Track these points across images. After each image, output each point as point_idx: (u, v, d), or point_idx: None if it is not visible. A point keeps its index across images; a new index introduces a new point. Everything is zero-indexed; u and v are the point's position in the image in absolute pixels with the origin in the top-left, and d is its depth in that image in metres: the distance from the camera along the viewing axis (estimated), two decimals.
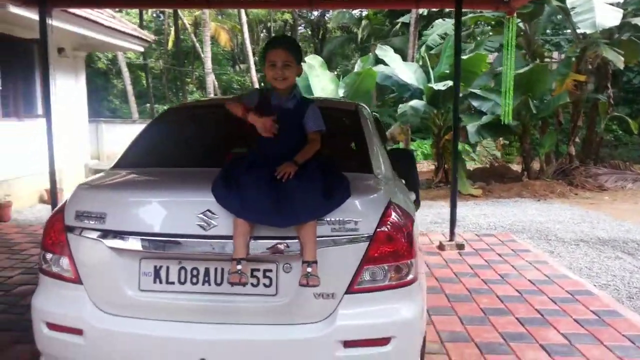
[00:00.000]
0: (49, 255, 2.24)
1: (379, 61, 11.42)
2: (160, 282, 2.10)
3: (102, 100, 27.98)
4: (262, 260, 2.08)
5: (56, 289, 2.22)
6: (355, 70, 11.43)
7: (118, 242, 2.11)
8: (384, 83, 10.99)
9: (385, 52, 10.90)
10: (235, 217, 2.01)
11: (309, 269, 1.98)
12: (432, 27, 13.60)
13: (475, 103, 10.34)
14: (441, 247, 5.90)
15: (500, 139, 12.36)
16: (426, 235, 6.70)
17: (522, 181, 11.41)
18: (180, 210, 2.10)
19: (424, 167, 15.66)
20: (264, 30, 37.40)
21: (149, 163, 2.68)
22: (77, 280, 2.17)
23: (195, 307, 2.07)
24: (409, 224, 2.25)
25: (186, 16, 29.46)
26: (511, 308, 4.15)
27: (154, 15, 34.15)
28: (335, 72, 18.33)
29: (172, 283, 2.09)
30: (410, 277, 2.18)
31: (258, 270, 2.08)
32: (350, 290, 2.08)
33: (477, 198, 10.53)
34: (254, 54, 22.93)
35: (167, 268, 2.10)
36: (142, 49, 11.52)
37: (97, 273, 2.15)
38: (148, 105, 28.58)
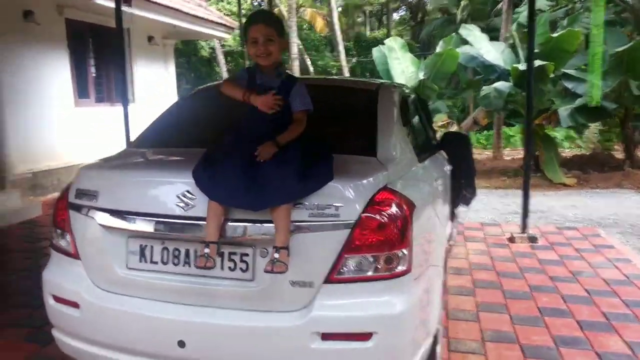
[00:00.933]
0: (57, 231, 2.35)
1: (465, 42, 10.83)
2: (146, 261, 2.12)
3: None
4: (239, 244, 2.03)
5: (61, 264, 2.34)
6: (437, 51, 10.94)
7: (108, 220, 2.16)
8: (469, 64, 10.42)
9: (469, 31, 10.31)
10: (209, 199, 1.97)
11: (276, 255, 1.89)
12: (524, 4, 12.66)
13: (568, 85, 9.50)
14: (512, 239, 5.53)
15: (596, 123, 11.26)
16: (499, 226, 6.32)
17: (623, 170, 10.37)
18: (162, 191, 2.10)
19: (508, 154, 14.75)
20: (362, 15, 37.13)
21: (165, 143, 2.70)
22: (76, 256, 2.26)
23: (176, 288, 2.07)
24: (404, 211, 2.08)
25: (282, 3, 30.00)
26: (573, 309, 3.78)
27: (255, 3, 35.22)
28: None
29: (156, 263, 2.10)
30: (401, 268, 2.02)
31: (235, 254, 2.03)
32: (329, 279, 1.97)
33: (569, 188, 9.75)
34: (333, 41, 22.85)
35: (152, 247, 2.12)
36: (227, 36, 11.86)
37: (91, 250, 2.22)
38: None
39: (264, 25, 2.19)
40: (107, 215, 2.16)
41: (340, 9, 37.97)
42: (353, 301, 1.97)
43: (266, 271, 1.90)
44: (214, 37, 12.35)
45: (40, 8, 7.49)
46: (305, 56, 30.08)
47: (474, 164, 4.58)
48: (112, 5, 7.48)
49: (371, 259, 1.98)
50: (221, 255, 2.03)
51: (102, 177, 2.27)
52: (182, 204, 2.03)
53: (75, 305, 2.20)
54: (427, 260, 2.29)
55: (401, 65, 10.63)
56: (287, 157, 2.02)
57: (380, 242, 1.98)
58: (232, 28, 12.15)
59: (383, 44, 11.16)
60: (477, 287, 4.22)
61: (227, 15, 31.76)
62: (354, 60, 28.72)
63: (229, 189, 1.95)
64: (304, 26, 34.06)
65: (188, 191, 2.03)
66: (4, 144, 6.98)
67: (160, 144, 2.66)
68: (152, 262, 2.11)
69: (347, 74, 20.67)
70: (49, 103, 7.75)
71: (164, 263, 2.09)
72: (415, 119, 3.39)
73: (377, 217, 1.99)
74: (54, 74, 7.79)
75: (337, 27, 20.27)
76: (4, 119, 7.00)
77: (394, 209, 2.04)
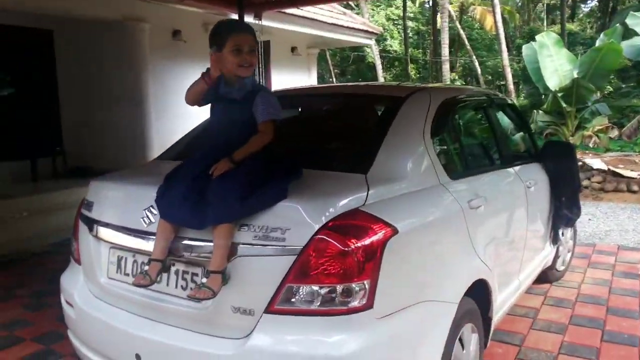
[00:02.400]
0: (72, 238, 2.53)
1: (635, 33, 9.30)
2: (121, 272, 2.17)
3: None
4: (190, 263, 1.96)
5: (71, 269, 2.52)
6: (597, 45, 9.53)
7: (97, 230, 2.26)
8: (638, 59, 8.91)
9: (638, 20, 8.80)
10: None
11: (204, 279, 1.78)
12: None
13: None
14: None
15: None
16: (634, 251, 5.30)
17: None
18: (133, 204, 2.12)
19: None
20: (534, 10, 34.40)
21: (186, 155, 2.73)
22: (79, 262, 2.41)
23: (140, 302, 2.08)
24: (372, 238, 1.81)
25: (452, 3, 29.13)
26: None
27: (426, 6, 34.82)
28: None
29: (128, 275, 2.14)
30: (356, 303, 1.77)
31: (187, 272, 1.97)
32: (269, 309, 1.80)
33: None
34: (506, 38, 21.31)
35: (126, 259, 2.16)
36: (371, 42, 11.85)
37: (88, 257, 2.34)
38: None
39: (250, 35, 2.09)
40: (96, 225, 2.27)
41: (519, 3, 35.64)
42: (294, 337, 1.77)
43: (188, 296, 1.80)
44: (358, 43, 12.43)
45: (187, 27, 8.27)
46: (473, 57, 28.82)
47: (579, 179, 3.89)
48: (249, 20, 8.02)
49: (318, 290, 1.77)
50: (176, 273, 1.99)
51: (98, 188, 2.39)
52: (145, 219, 2.04)
53: (72, 307, 2.35)
54: (413, 295, 1.97)
55: (554, 63, 9.50)
56: (236, 173, 1.90)
57: (330, 272, 1.76)
58: (375, 33, 12.11)
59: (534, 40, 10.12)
60: (573, 323, 3.56)
61: (394, 20, 32.07)
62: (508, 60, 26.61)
63: (177, 206, 1.90)
64: (475, 25, 32.71)
65: (152, 206, 2.02)
66: (151, 151, 7.84)
67: (181, 156, 2.71)
68: (124, 273, 2.16)
69: (508, 74, 19.19)
70: (190, 112, 8.50)
71: (134, 275, 2.11)
72: (477, 128, 2.97)
73: (328, 243, 1.77)
74: None
75: (499, 24, 18.99)
76: (151, 126, 7.85)
77: (354, 235, 1.79)
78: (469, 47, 29.13)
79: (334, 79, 29.58)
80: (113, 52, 7.44)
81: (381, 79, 23.34)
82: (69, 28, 7.64)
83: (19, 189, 6.72)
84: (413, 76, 31.52)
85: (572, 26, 30.20)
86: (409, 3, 31.10)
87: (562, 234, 4.07)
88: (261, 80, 8.45)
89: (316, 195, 1.89)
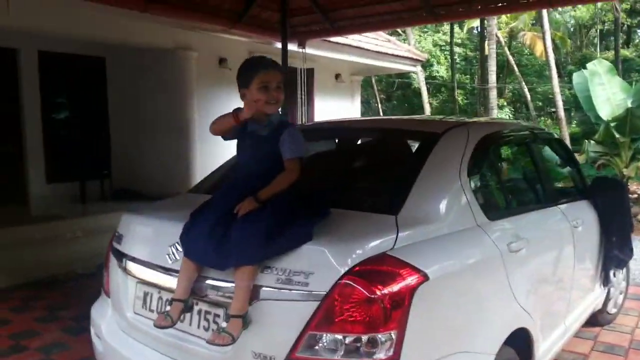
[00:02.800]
0: (103, 270, 2.55)
1: None
2: (146, 308, 2.16)
3: None
4: (213, 304, 1.92)
5: (101, 300, 2.52)
6: None
7: (125, 264, 2.26)
8: None
9: None
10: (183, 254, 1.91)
11: (224, 324, 1.73)
12: None
13: None
14: None
15: None
16: None
17: None
18: (159, 240, 2.11)
19: None
20: (587, 36, 33.52)
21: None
22: (108, 295, 2.41)
23: (162, 339, 2.05)
24: (401, 285, 1.73)
25: (500, 29, 28.77)
26: None
27: (475, 32, 34.55)
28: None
29: (152, 311, 2.12)
30: (382, 355, 1.68)
31: (209, 313, 1.93)
32: (291, 356, 1.73)
33: None
34: (557, 64, 20.79)
35: (151, 295, 2.14)
36: (415, 69, 11.78)
37: (116, 290, 2.34)
38: None
39: (277, 71, 2.09)
40: (125, 259, 2.27)
41: (571, 29, 34.84)
42: None
43: (208, 342, 1.75)
44: (402, 71, 12.39)
45: (233, 55, 8.45)
46: (523, 83, 28.24)
47: (631, 218, 3.66)
48: (293, 48, 8.11)
49: (342, 339, 1.69)
50: (199, 313, 1.95)
51: (127, 221, 2.40)
52: (171, 255, 2.02)
53: (99, 339, 2.35)
54: (445, 347, 1.86)
55: (606, 92, 9.14)
56: (261, 213, 1.86)
57: (354, 320, 1.68)
58: (420, 60, 12.03)
59: (585, 68, 9.77)
60: None
61: (442, 46, 31.90)
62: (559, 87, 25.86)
63: (200, 245, 1.87)
64: (525, 51, 32.13)
65: (177, 242, 2.01)
66: (194, 175, 7.97)
67: (212, 190, 2.69)
68: (150, 309, 2.14)
69: (559, 101, 18.62)
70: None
71: (159, 312, 2.09)
72: (519, 165, 2.84)
73: (353, 289, 1.69)
74: None
75: (549, 50, 18.56)
76: (196, 151, 7.98)
77: (381, 281, 1.71)
78: (518, 73, 28.56)
79: (379, 105, 29.54)
80: (161, 78, 7.67)
81: (426, 106, 23.11)
82: (120, 55, 7.94)
83: (69, 210, 6.96)
84: (460, 102, 31.13)
85: (627, 52, 29.23)
86: (456, 29, 30.90)
87: (614, 275, 3.83)
88: (304, 108, 8.48)
89: (342, 238, 1.82)
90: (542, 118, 31.21)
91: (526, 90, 28.32)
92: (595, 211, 3.53)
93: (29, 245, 5.59)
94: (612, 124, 8.73)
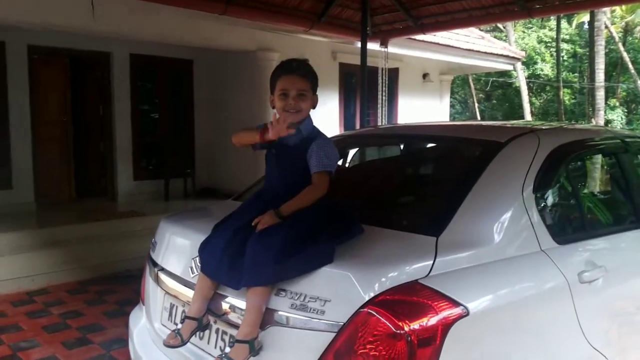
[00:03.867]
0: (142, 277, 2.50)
1: None
2: (172, 320, 2.06)
3: (518, 117, 28.00)
4: (230, 323, 1.77)
5: (139, 307, 2.47)
6: None
7: (155, 273, 2.19)
8: None
9: None
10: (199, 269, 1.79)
11: (227, 349, 1.57)
12: None
13: None
14: None
15: None
16: None
17: None
18: (185, 251, 2.01)
19: None
20: None
21: None
22: (143, 302, 2.36)
23: (184, 355, 1.94)
24: (432, 319, 1.49)
25: (614, 24, 26.58)
26: None
27: (585, 27, 32.19)
28: None
29: (177, 324, 2.00)
30: None
31: (226, 333, 1.79)
32: None
33: None
34: None
35: (176, 308, 2.04)
36: (510, 67, 11.09)
37: (149, 299, 2.27)
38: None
39: (298, 77, 1.90)
40: (157, 268, 2.19)
41: None
42: None
43: None
44: (497, 69, 11.69)
45: (315, 55, 8.35)
46: (638, 82, 25.86)
47: None
48: (375, 47, 7.89)
49: None
50: (217, 332, 1.82)
51: (162, 229, 2.32)
52: (194, 268, 1.91)
53: (132, 345, 2.30)
54: None
55: None
56: (280, 229, 1.69)
57: (375, 357, 1.46)
58: (517, 58, 11.29)
59: None
60: None
61: (547, 42, 29.99)
62: None
63: (216, 260, 1.74)
64: None
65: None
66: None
67: None
68: (174, 322, 2.04)
69: None
70: None
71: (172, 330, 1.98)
72: (602, 180, 2.45)
73: (376, 321, 1.47)
74: (326, 112, 8.54)
75: None
76: None
77: (408, 314, 1.48)
78: (633, 70, 26.19)
79: (477, 104, 28.36)
80: (244, 79, 7.77)
81: (526, 105, 21.77)
82: (207, 57, 8.14)
83: (152, 207, 7.24)
84: (566, 102, 29.11)
85: None
86: (564, 24, 28.90)
87: None
88: (384, 109, 8.21)
89: (367, 262, 1.60)
90: None
91: (602, 91, 25.90)
92: None
93: (112, 240, 5.85)
94: None
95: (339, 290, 1.54)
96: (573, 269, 1.95)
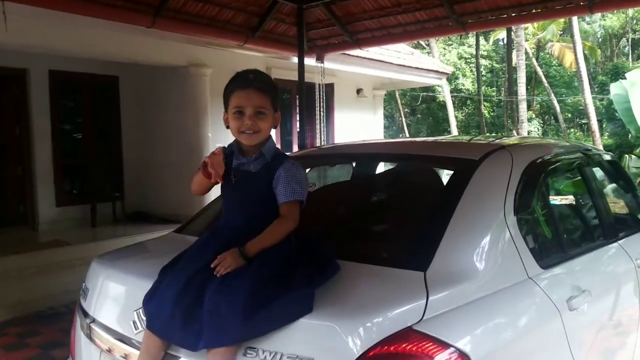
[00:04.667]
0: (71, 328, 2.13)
1: None
2: None
3: (443, 131, 28.93)
4: None
5: None
6: None
7: (87, 327, 1.84)
8: None
9: None
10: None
11: None
12: None
13: None
14: None
15: None
16: None
17: None
18: (125, 301, 1.69)
19: None
20: (617, 45, 32.56)
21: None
22: (74, 358, 1.99)
23: None
24: None
25: (527, 40, 28.12)
26: None
27: (501, 43, 33.86)
28: None
29: None
30: None
31: None
32: None
33: None
34: (592, 75, 20.18)
35: None
36: (440, 82, 11.30)
37: (80, 354, 1.92)
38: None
39: (255, 91, 1.62)
40: (87, 320, 1.85)
41: (600, 39, 33.92)
42: None
43: None
44: (427, 84, 11.92)
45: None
46: (552, 95, 27.46)
47: None
48: (311, 63, 7.72)
49: None
50: None
51: (93, 273, 1.98)
52: (137, 322, 1.59)
53: None
54: None
55: None
56: (246, 273, 1.42)
57: None
58: (446, 73, 11.54)
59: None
60: None
61: (467, 58, 31.33)
62: (609, 96, 24.93)
63: (166, 315, 1.44)
64: (553, 62, 31.34)
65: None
66: (208, 197, 7.59)
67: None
68: None
69: (592, 113, 17.86)
70: None
71: None
72: (571, 195, 2.35)
73: None
74: None
75: (581, 60, 17.86)
76: None
77: None
78: (546, 84, 27.83)
79: (404, 119, 29.03)
80: (175, 96, 7.37)
81: (452, 119, 22.48)
82: (134, 73, 7.67)
83: (78, 234, 6.65)
84: (487, 115, 30.44)
85: None
86: (482, 41, 30.29)
87: None
88: (322, 125, 8.05)
89: (352, 308, 1.37)
90: (572, 130, 30.28)
91: (555, 102, 27.52)
92: None
93: (33, 274, 5.27)
94: None
95: (322, 345, 1.29)
96: (562, 296, 1.81)
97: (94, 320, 1.80)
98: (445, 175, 2.11)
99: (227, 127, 1.68)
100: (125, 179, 7.86)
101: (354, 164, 2.59)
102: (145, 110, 7.81)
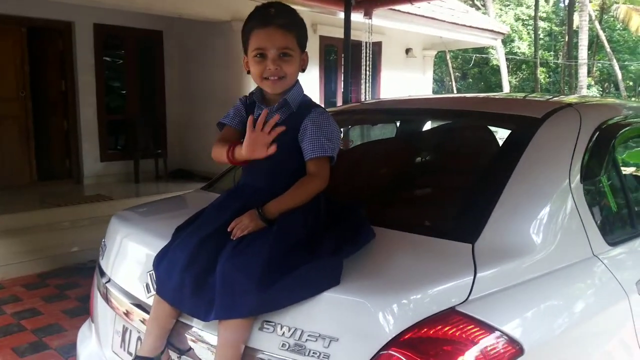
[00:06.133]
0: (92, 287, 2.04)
1: None
2: (124, 348, 1.62)
3: None
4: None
5: (87, 324, 2.01)
6: None
7: (104, 286, 1.73)
8: None
9: None
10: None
11: None
12: None
13: None
14: None
15: None
16: None
17: None
18: (139, 261, 1.55)
19: None
20: None
21: None
22: (92, 319, 1.90)
23: None
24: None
25: (591, 2, 26.43)
26: None
27: (562, 5, 32.06)
28: None
29: (131, 354, 1.57)
30: None
31: None
32: None
33: None
34: None
35: (130, 333, 1.60)
36: (496, 43, 10.72)
37: (98, 316, 1.82)
38: None
39: (279, 29, 1.39)
40: (104, 280, 1.74)
41: None
42: None
43: None
44: (481, 45, 11.33)
45: None
46: (614, 61, 25.87)
47: None
48: (358, 19, 7.38)
49: None
50: None
51: (112, 230, 1.85)
52: (148, 283, 1.46)
53: None
54: None
55: None
56: (265, 237, 1.25)
57: None
58: (502, 33, 10.90)
59: None
60: None
61: (524, 20, 29.83)
62: None
63: (176, 281, 1.28)
64: (617, 26, 29.45)
65: None
66: None
67: None
68: (128, 352, 1.60)
69: None
70: None
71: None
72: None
73: None
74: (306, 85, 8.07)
75: None
76: None
77: (445, 356, 1.07)
78: (608, 49, 26.18)
79: (454, 83, 28.08)
80: (218, 52, 7.23)
81: (506, 84, 21.48)
82: (178, 28, 7.56)
83: (121, 190, 6.72)
84: (542, 80, 29.12)
85: None
86: (541, 2, 28.70)
87: None
88: (368, 85, 7.75)
89: (386, 283, 1.18)
90: (634, 99, 28.64)
91: (617, 68, 25.94)
92: None
93: (76, 227, 5.34)
94: None
95: (349, 324, 1.11)
96: (630, 278, 1.56)
97: (109, 280, 1.69)
98: (501, 136, 1.86)
99: (248, 72, 1.48)
100: (168, 136, 7.85)
101: (398, 123, 2.36)
102: (188, 66, 7.71)
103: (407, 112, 2.22)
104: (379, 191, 1.77)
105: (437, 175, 1.79)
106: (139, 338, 1.55)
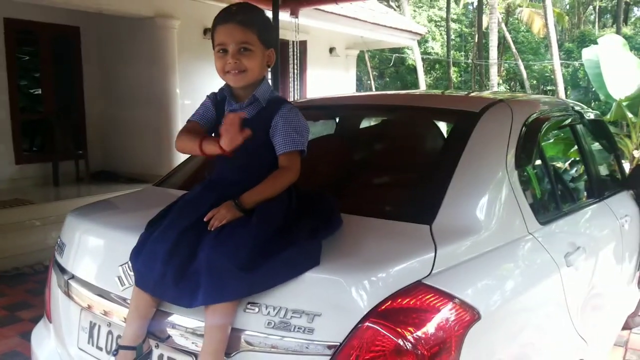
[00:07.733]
0: (46, 286, 2.00)
1: None
2: (93, 344, 1.62)
3: None
4: (180, 351, 1.38)
5: (43, 323, 1.98)
6: None
7: (66, 284, 1.71)
8: None
9: None
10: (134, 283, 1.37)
11: None
12: None
13: None
14: None
15: None
16: None
17: None
18: (107, 257, 1.57)
19: None
20: (584, 13, 32.94)
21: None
22: (50, 319, 1.87)
23: None
24: (444, 327, 1.21)
25: (499, 5, 28.13)
26: None
27: (470, 7, 33.85)
28: None
29: (101, 349, 1.58)
30: None
31: None
32: None
33: None
34: (558, 42, 20.39)
35: (99, 328, 1.60)
36: (412, 43, 11.18)
37: (57, 315, 1.80)
38: None
39: (238, 25, 1.45)
40: (66, 277, 1.72)
41: (567, 6, 34.22)
42: None
43: None
44: (400, 45, 11.77)
45: None
46: (519, 61, 27.71)
47: None
48: (285, 18, 7.45)
49: None
50: (160, 359, 1.42)
51: (69, 227, 1.84)
52: (123, 279, 1.48)
53: None
54: None
55: (619, 69, 8.59)
56: (244, 225, 1.32)
57: None
58: (420, 34, 11.40)
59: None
60: None
61: (437, 21, 31.21)
62: (576, 63, 25.38)
63: (157, 271, 1.32)
64: (521, 28, 31.54)
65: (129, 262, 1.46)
66: (177, 154, 7.36)
67: (187, 185, 2.11)
68: (97, 347, 1.60)
69: (559, 79, 18.11)
70: None
71: (107, 352, 1.56)
72: (562, 152, 2.30)
73: (382, 337, 1.17)
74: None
75: (551, 26, 17.97)
76: (178, 128, 7.34)
77: (417, 324, 1.19)
78: (514, 50, 28.03)
79: (372, 81, 28.88)
80: (140, 49, 7.02)
81: (422, 82, 22.45)
82: (97, 24, 7.27)
83: (40, 194, 6.38)
84: (455, 80, 30.62)
85: (625, 30, 28.73)
86: (452, 4, 30.17)
87: None
88: (295, 82, 7.86)
89: (360, 261, 1.29)
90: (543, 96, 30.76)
91: (522, 67, 27.81)
92: (637, 204, 3.03)
93: None
94: (624, 103, 8.21)
95: (330, 300, 1.21)
96: (559, 252, 1.78)
97: (72, 277, 1.67)
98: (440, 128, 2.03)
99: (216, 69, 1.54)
100: (89, 136, 7.53)
101: (337, 119, 2.49)
102: (108, 64, 7.43)
103: (361, 107, 2.36)
104: (343, 181, 1.88)
105: (393, 165, 1.92)
106: (109, 332, 1.56)
